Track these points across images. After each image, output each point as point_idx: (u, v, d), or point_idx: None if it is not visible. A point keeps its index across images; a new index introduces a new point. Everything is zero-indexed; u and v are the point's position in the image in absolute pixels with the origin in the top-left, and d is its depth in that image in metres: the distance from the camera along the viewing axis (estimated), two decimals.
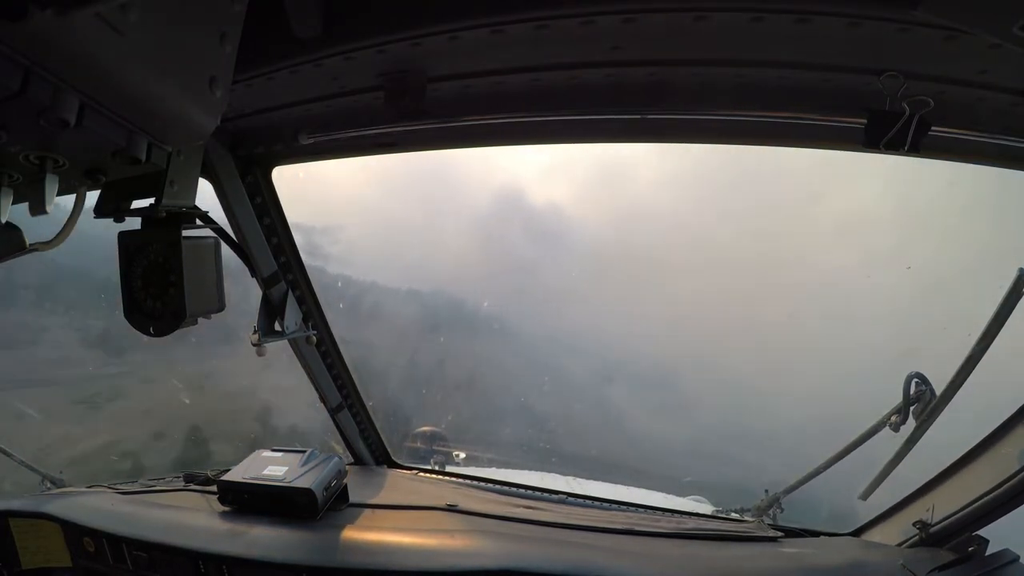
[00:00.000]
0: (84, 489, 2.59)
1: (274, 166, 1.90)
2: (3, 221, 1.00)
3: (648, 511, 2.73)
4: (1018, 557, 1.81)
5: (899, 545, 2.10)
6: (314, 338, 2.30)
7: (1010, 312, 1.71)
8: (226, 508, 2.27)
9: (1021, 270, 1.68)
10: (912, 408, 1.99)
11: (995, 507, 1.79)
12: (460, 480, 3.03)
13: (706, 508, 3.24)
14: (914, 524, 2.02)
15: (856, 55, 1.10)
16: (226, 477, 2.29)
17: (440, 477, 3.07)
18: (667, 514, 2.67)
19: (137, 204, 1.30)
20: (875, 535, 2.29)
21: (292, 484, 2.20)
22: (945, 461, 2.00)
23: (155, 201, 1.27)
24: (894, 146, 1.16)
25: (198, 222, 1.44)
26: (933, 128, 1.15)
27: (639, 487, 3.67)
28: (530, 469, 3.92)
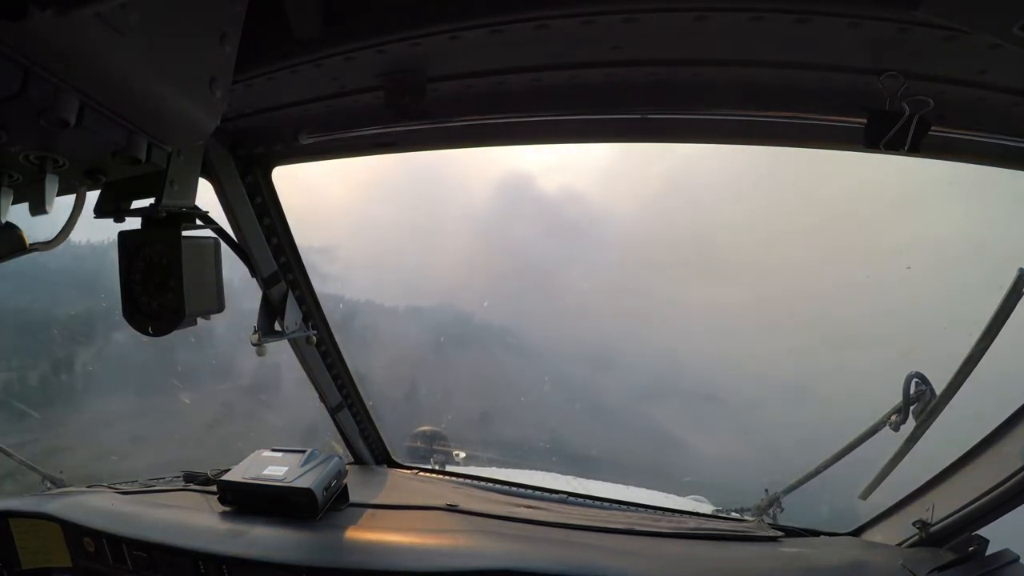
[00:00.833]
0: (84, 489, 2.59)
1: (274, 166, 1.90)
2: (3, 221, 1.01)
3: (648, 511, 2.73)
4: (1018, 557, 1.81)
5: (899, 545, 2.10)
6: (314, 338, 2.31)
7: (1010, 312, 1.71)
8: (226, 508, 2.27)
9: (1021, 270, 1.68)
10: (912, 408, 1.99)
11: (995, 507, 1.79)
12: (460, 480, 3.03)
13: (706, 508, 3.24)
14: (914, 524, 2.02)
15: (856, 55, 1.10)
16: (226, 477, 2.29)
17: (440, 477, 3.07)
18: (667, 514, 2.67)
19: (137, 204, 1.30)
20: (875, 535, 2.29)
21: (292, 484, 2.20)
22: (945, 461, 2.00)
23: (155, 201, 1.27)
24: (894, 146, 1.15)
25: (198, 222, 1.44)
26: (933, 128, 1.15)
27: (639, 487, 3.67)
28: (531, 469, 3.92)
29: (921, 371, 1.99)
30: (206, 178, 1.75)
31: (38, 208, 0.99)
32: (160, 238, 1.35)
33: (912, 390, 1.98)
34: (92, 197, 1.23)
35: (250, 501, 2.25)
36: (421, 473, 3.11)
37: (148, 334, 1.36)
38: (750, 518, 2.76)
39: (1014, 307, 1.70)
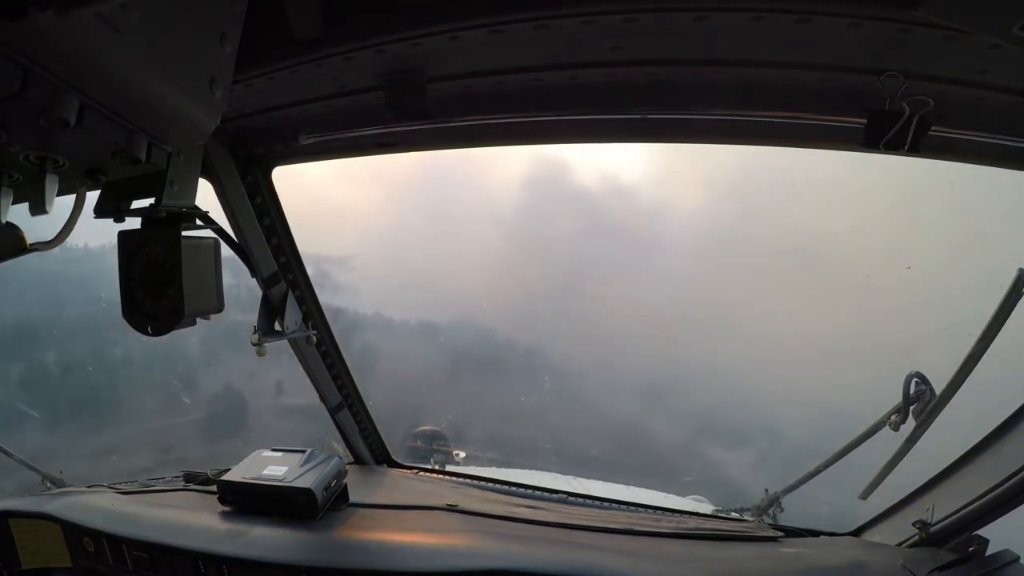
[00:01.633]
0: (84, 489, 2.59)
1: (274, 166, 1.90)
2: (3, 221, 1.00)
3: (648, 511, 2.73)
4: (1018, 557, 1.81)
5: (899, 545, 2.10)
6: (314, 338, 2.31)
7: (1010, 312, 1.72)
8: (226, 508, 2.26)
9: (1021, 270, 1.68)
10: (912, 408, 1.99)
11: (995, 507, 1.79)
12: (460, 480, 3.03)
13: (706, 508, 3.24)
14: (914, 524, 2.02)
15: (856, 55, 1.10)
16: (226, 477, 2.29)
17: (440, 477, 3.07)
18: (667, 514, 2.67)
19: (137, 204, 1.31)
20: (875, 535, 2.29)
21: (292, 484, 2.20)
22: (945, 461, 2.00)
23: (155, 201, 1.27)
24: (894, 146, 1.15)
25: (198, 222, 1.44)
26: (933, 128, 1.15)
27: (639, 487, 3.67)
28: (531, 469, 3.92)
29: (921, 371, 1.99)
30: (206, 178, 1.75)
31: (38, 208, 0.99)
32: (160, 238, 1.35)
33: (912, 390, 1.98)
34: (92, 197, 1.23)
35: (250, 501, 2.25)
36: (421, 473, 3.11)
37: (147, 334, 1.36)
38: (750, 518, 2.76)
39: (1014, 307, 1.71)
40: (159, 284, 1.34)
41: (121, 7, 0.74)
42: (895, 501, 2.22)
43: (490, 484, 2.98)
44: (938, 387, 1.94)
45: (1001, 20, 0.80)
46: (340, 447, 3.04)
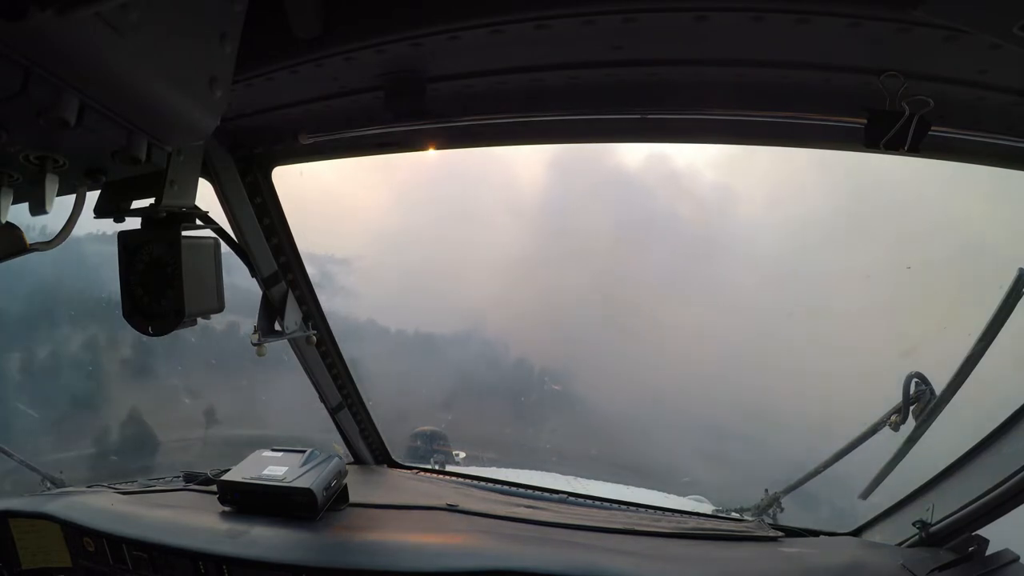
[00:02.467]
0: (84, 489, 2.58)
1: (274, 166, 1.90)
2: (3, 221, 1.00)
3: (648, 511, 2.73)
4: (1018, 557, 1.81)
5: (899, 545, 2.10)
6: (314, 338, 2.30)
7: (1010, 312, 1.72)
8: (226, 508, 2.27)
9: (1021, 270, 1.68)
10: (912, 408, 1.99)
11: (995, 507, 1.79)
12: (460, 480, 3.03)
13: (706, 508, 3.24)
14: (914, 524, 2.02)
15: (856, 55, 1.10)
16: (226, 477, 2.29)
17: (440, 477, 3.07)
18: (667, 514, 2.67)
19: (137, 204, 1.30)
20: (875, 535, 2.29)
21: (292, 484, 2.20)
22: (945, 461, 2.00)
23: (155, 201, 1.27)
24: (894, 146, 1.16)
25: (198, 222, 1.44)
26: (933, 128, 1.15)
27: (639, 487, 3.67)
28: (531, 469, 3.92)
29: (921, 371, 1.99)
30: (206, 178, 1.75)
31: (38, 208, 0.99)
32: (160, 238, 1.35)
33: (912, 390, 1.98)
34: (92, 197, 1.23)
35: (250, 501, 2.25)
36: (421, 473, 3.11)
37: (148, 334, 1.36)
38: (750, 518, 2.76)
39: (1014, 307, 1.71)
40: (159, 284, 1.34)
41: (121, 7, 0.74)
42: (895, 501, 2.22)
43: (490, 484, 2.98)
44: (938, 387, 1.94)
45: (1001, 20, 0.80)
46: (340, 447, 3.05)
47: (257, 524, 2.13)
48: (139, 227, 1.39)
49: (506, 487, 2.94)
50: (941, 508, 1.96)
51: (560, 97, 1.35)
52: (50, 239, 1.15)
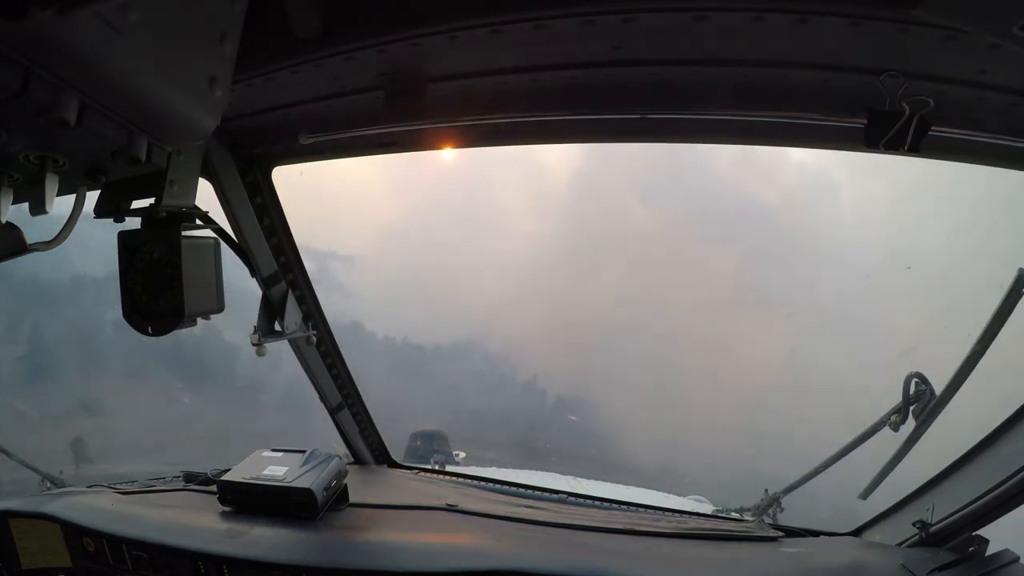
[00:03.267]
0: (84, 489, 2.58)
1: (274, 166, 1.90)
2: (3, 221, 1.00)
3: (648, 511, 2.73)
4: (1018, 557, 1.81)
5: (899, 545, 2.10)
6: (314, 338, 2.30)
7: (1010, 312, 1.72)
8: (226, 508, 2.26)
9: (1021, 270, 1.68)
10: (912, 408, 1.99)
11: (995, 507, 1.79)
12: (460, 480, 3.03)
13: (706, 508, 3.24)
14: (914, 524, 2.02)
15: (856, 55, 1.10)
16: (226, 477, 2.29)
17: (440, 477, 3.07)
18: (667, 514, 2.67)
19: (137, 204, 1.30)
20: (875, 535, 2.29)
21: (292, 484, 2.20)
22: (945, 461, 2.00)
23: (155, 201, 1.27)
24: (894, 146, 1.16)
25: (198, 222, 1.44)
26: (933, 128, 1.15)
27: (639, 487, 3.67)
28: (530, 469, 3.92)
29: (921, 371, 1.99)
30: (206, 178, 1.75)
31: (38, 208, 0.99)
32: (160, 238, 1.35)
33: (912, 390, 1.98)
34: (92, 197, 1.23)
35: (250, 501, 2.25)
36: (421, 473, 3.11)
37: (148, 334, 1.35)
38: (750, 518, 2.77)
39: (1014, 307, 1.71)
40: (159, 284, 1.34)
41: (121, 7, 0.74)
42: (895, 501, 2.22)
43: (490, 484, 2.98)
44: (938, 387, 1.94)
45: (1001, 20, 0.80)
46: (340, 447, 3.05)
47: (257, 524, 2.13)
48: (139, 227, 1.39)
49: (506, 487, 2.94)
50: (941, 508, 1.96)
51: (560, 97, 1.35)
52: (50, 239, 1.15)
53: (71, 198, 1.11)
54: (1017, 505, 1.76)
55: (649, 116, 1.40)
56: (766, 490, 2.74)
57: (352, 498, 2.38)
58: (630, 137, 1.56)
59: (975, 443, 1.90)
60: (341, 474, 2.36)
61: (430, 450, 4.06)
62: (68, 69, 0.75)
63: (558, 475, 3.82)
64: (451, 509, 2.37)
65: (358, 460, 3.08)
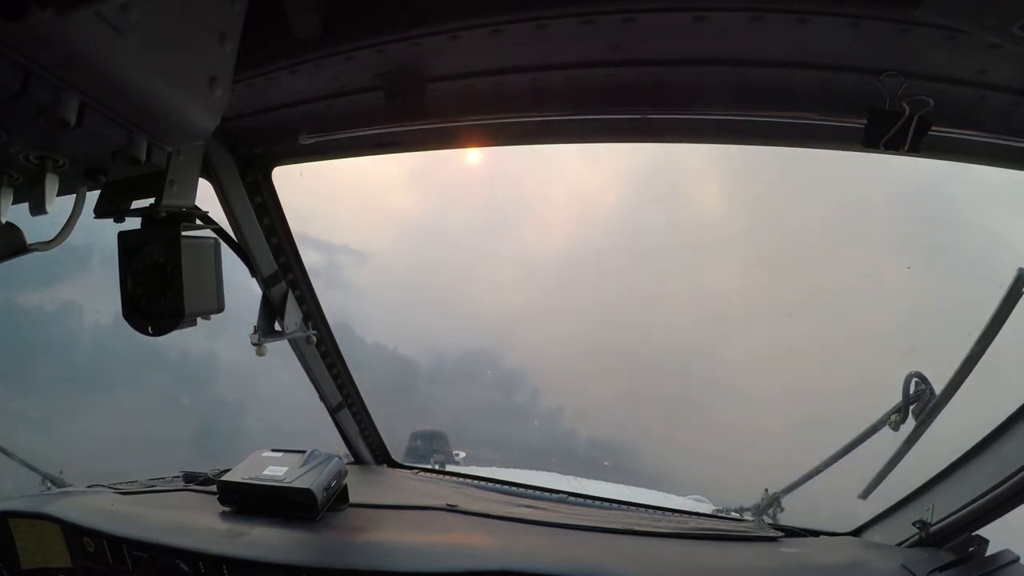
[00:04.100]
0: (84, 489, 2.59)
1: (274, 166, 1.90)
2: (3, 221, 1.00)
3: (648, 511, 2.73)
4: (1018, 557, 1.81)
5: (899, 545, 2.10)
6: (314, 338, 2.30)
7: (1009, 312, 1.72)
8: (226, 508, 2.27)
9: (1021, 270, 1.68)
10: (912, 407, 1.99)
11: (995, 507, 1.79)
12: (460, 480, 3.03)
13: (706, 508, 3.24)
14: (914, 524, 2.02)
15: (856, 55, 1.11)
16: (226, 477, 2.29)
17: (440, 477, 3.07)
18: (667, 514, 2.67)
19: (137, 204, 1.30)
20: (875, 535, 2.28)
21: (292, 484, 2.20)
22: (945, 461, 2.00)
23: (155, 201, 1.27)
24: (894, 146, 1.16)
25: (198, 222, 1.44)
26: (933, 128, 1.15)
27: (639, 487, 3.67)
28: (530, 469, 3.91)
29: (921, 371, 1.99)
30: (206, 178, 1.75)
31: (38, 208, 0.99)
32: (160, 238, 1.35)
33: (912, 390, 1.98)
34: (92, 197, 1.23)
35: (250, 501, 2.25)
36: (421, 473, 3.11)
37: (147, 334, 1.35)
38: (750, 518, 2.76)
39: (1014, 307, 1.71)
40: (159, 284, 1.34)
41: (121, 7, 0.74)
42: (895, 501, 2.22)
43: (490, 484, 2.98)
44: (938, 387, 1.94)
45: (1001, 20, 0.80)
46: (340, 447, 3.05)
47: (257, 524, 2.13)
48: (139, 227, 1.39)
49: (506, 487, 2.94)
50: (941, 508, 1.96)
51: (560, 97, 1.35)
52: (50, 239, 1.15)
53: (71, 198, 1.11)
54: (1017, 505, 1.76)
55: (649, 116, 1.40)
56: (766, 490, 2.74)
57: (352, 498, 2.38)
58: (630, 137, 1.56)
59: (975, 443, 1.89)
60: (341, 474, 2.36)
61: (430, 450, 4.06)
62: (68, 69, 0.75)
63: (558, 475, 3.82)
64: (451, 509, 2.36)
65: (358, 460, 3.08)
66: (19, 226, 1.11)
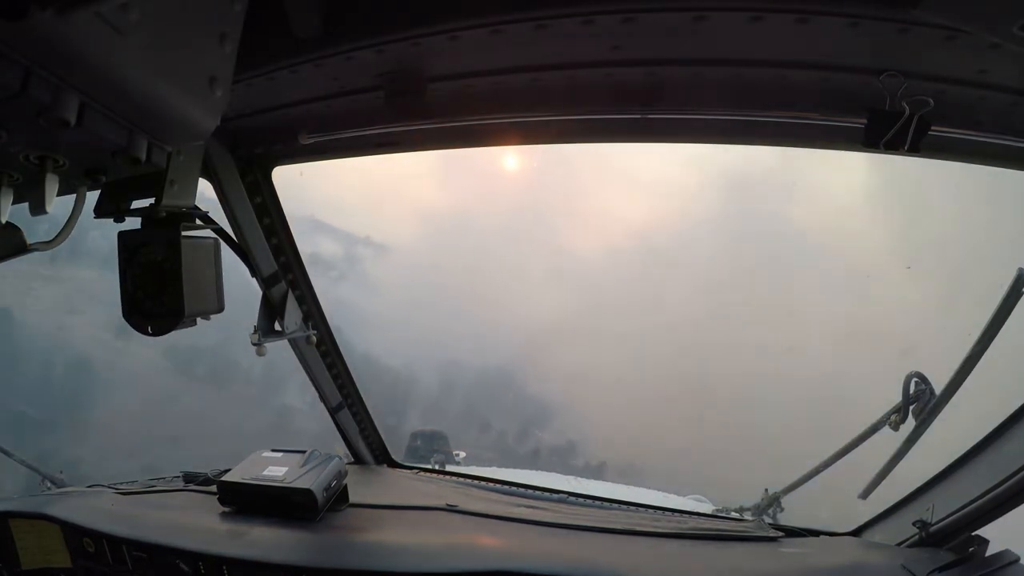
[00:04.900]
0: (84, 489, 2.58)
1: (274, 166, 1.91)
2: (3, 221, 1.01)
3: (648, 511, 2.73)
4: (1018, 558, 1.81)
5: (899, 545, 2.10)
6: (314, 338, 2.31)
7: (1009, 312, 1.72)
8: (226, 508, 2.26)
9: (1021, 270, 1.68)
10: (912, 407, 1.99)
11: (995, 507, 1.79)
12: (460, 480, 3.03)
13: (706, 508, 3.24)
14: (914, 524, 2.02)
15: (856, 55, 1.11)
16: (226, 477, 2.29)
17: (440, 477, 3.07)
18: (667, 514, 2.67)
19: (137, 204, 1.31)
20: (875, 535, 2.29)
21: (292, 485, 2.20)
22: (945, 461, 2.00)
23: (155, 201, 1.27)
24: (894, 146, 1.16)
25: (198, 222, 1.44)
26: (933, 128, 1.15)
27: (639, 487, 3.67)
28: (530, 469, 3.91)
29: (921, 371, 1.99)
30: (206, 178, 1.75)
31: (38, 208, 0.99)
32: (160, 238, 1.35)
33: (912, 390, 1.98)
34: (92, 197, 1.23)
35: (250, 501, 2.25)
36: (421, 473, 3.11)
37: (147, 334, 1.36)
38: (750, 518, 2.76)
39: (1014, 307, 1.71)
40: (159, 284, 1.34)
41: (121, 7, 0.74)
42: (895, 501, 2.22)
43: (490, 484, 2.98)
44: (938, 387, 1.94)
45: (1001, 20, 0.80)
46: (340, 447, 3.05)
47: (257, 525, 2.13)
48: (139, 227, 1.39)
49: (506, 487, 2.94)
50: (941, 508, 1.96)
51: (560, 97, 1.35)
52: (50, 239, 1.15)
53: (71, 198, 1.11)
54: (1017, 505, 1.76)
55: (649, 116, 1.40)
56: (766, 490, 2.74)
57: (352, 498, 2.38)
58: (630, 137, 1.56)
59: (975, 443, 1.90)
60: (341, 474, 2.36)
61: (430, 450, 4.06)
62: (68, 69, 0.76)
63: (558, 475, 3.82)
64: (451, 509, 2.36)
65: (358, 460, 3.08)
66: (19, 226, 1.11)
